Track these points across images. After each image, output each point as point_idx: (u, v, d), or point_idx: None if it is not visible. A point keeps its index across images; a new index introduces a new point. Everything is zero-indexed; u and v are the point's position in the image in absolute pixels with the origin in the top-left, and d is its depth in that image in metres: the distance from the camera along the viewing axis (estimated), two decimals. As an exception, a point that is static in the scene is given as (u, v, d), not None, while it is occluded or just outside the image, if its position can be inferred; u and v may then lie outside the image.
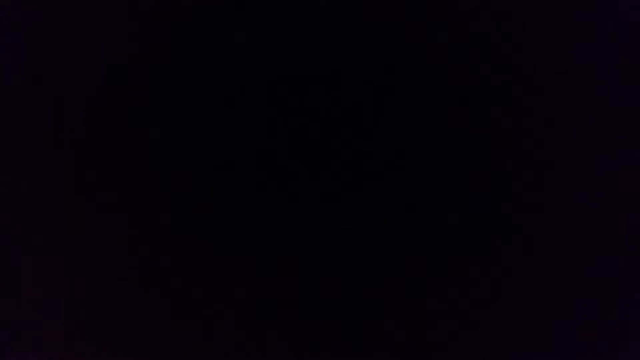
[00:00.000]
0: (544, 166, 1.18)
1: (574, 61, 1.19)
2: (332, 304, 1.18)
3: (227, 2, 1.20)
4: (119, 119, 1.20)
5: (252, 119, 1.19)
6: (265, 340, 1.18)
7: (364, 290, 1.18)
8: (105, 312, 1.19)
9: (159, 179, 1.20)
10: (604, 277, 1.17)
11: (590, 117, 1.18)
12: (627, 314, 1.16)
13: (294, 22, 1.19)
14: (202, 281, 1.19)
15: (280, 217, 1.18)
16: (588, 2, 1.19)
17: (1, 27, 1.20)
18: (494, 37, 1.18)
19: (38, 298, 1.19)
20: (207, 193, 1.19)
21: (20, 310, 1.19)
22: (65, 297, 1.19)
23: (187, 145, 1.20)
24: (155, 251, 1.19)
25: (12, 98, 1.20)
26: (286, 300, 1.18)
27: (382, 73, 1.19)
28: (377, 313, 1.17)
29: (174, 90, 1.20)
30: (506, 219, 1.18)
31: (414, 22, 1.19)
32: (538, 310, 1.17)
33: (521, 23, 1.19)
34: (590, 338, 1.17)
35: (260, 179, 1.19)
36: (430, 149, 1.18)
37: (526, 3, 1.19)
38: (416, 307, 1.17)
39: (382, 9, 1.19)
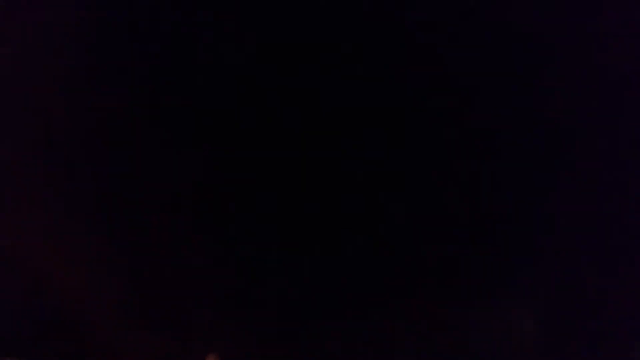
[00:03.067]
0: (544, 166, 1.18)
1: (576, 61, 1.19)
2: (332, 303, 1.17)
3: (227, 2, 1.20)
4: (118, 118, 1.20)
5: (251, 118, 1.19)
6: (264, 340, 1.18)
7: (364, 290, 1.17)
8: (103, 314, 1.19)
9: (158, 179, 1.19)
10: (605, 277, 1.17)
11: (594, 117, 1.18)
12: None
13: (294, 22, 1.19)
14: (202, 281, 1.19)
15: (280, 217, 1.18)
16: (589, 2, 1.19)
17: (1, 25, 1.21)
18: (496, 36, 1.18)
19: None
20: (206, 193, 1.19)
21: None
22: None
23: (186, 145, 1.19)
24: (151, 251, 1.19)
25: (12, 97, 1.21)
26: (285, 301, 1.18)
27: (382, 73, 1.19)
28: (376, 313, 1.17)
29: (173, 89, 1.20)
30: (507, 220, 1.17)
31: (414, 22, 1.19)
32: (543, 312, 1.17)
33: (522, 23, 1.19)
34: (593, 338, 1.16)
35: (259, 179, 1.19)
36: (430, 149, 1.18)
37: (527, 3, 1.19)
38: (416, 308, 1.17)
39: (382, 9, 1.19)
